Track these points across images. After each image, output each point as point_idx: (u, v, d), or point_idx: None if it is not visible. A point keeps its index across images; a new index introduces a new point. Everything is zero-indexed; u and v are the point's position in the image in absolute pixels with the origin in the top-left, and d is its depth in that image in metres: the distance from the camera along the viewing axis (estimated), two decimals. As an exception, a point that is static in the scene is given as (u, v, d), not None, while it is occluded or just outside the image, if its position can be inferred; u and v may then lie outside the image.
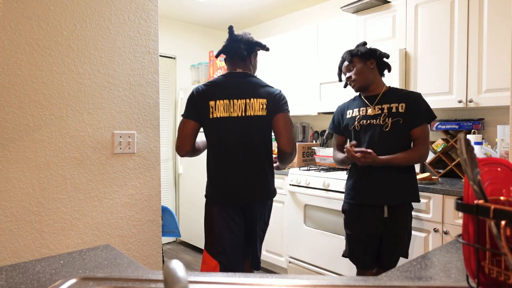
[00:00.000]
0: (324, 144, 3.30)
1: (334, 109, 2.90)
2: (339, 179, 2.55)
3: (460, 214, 2.01)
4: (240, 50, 1.83)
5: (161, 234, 1.79)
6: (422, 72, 2.44)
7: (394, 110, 1.84)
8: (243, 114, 1.78)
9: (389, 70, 1.98)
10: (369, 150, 1.76)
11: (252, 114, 1.78)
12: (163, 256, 1.89)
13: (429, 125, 1.98)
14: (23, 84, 1.38)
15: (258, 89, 1.81)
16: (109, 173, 1.60)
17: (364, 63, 1.91)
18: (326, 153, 2.90)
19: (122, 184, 1.64)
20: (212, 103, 1.78)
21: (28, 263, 0.90)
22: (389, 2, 2.64)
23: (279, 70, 3.45)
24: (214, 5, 3.65)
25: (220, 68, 3.84)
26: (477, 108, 2.36)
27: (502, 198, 0.63)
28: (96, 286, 0.76)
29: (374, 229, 1.86)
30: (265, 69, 3.60)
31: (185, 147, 1.82)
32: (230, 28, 1.88)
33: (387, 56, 1.94)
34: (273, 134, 1.87)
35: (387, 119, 1.83)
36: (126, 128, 1.65)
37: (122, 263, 0.90)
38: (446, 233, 2.04)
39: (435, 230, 2.07)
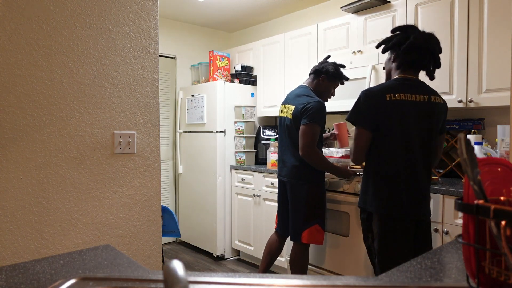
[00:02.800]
0: (324, 144, 3.30)
1: (334, 109, 2.91)
2: (339, 179, 2.55)
3: (460, 214, 2.01)
4: (312, 69, 2.43)
5: (161, 234, 1.79)
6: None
7: None
8: (285, 115, 2.43)
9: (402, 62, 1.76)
10: None
11: (286, 116, 2.41)
12: (163, 256, 1.89)
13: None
14: (23, 84, 1.38)
15: (295, 98, 2.36)
16: (109, 173, 1.60)
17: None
18: (326, 153, 2.90)
19: (122, 184, 1.63)
20: (280, 106, 2.55)
21: (28, 263, 0.90)
22: (389, 2, 2.64)
23: (280, 70, 3.45)
24: (214, 5, 3.65)
25: (220, 68, 3.84)
26: (477, 108, 2.36)
27: (502, 198, 0.63)
28: (96, 286, 0.76)
29: None
30: (266, 69, 3.60)
31: None
32: (326, 57, 2.49)
33: (406, 46, 1.71)
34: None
35: None
36: (126, 128, 1.65)
37: (122, 263, 0.90)
38: (446, 233, 2.04)
39: (435, 230, 2.07)
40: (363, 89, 1.80)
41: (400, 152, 1.72)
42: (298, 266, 2.38)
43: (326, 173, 2.67)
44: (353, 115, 1.78)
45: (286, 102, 2.45)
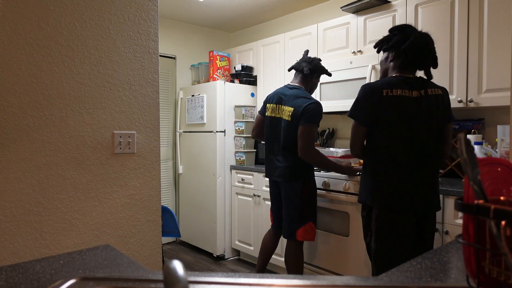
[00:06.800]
0: (324, 144, 3.30)
1: (334, 109, 2.91)
2: (339, 179, 2.55)
3: (460, 214, 2.01)
4: (305, 69, 2.39)
5: (161, 234, 1.79)
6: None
7: None
8: (279, 116, 2.41)
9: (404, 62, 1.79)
10: None
11: (281, 117, 2.39)
12: (163, 256, 1.89)
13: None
14: (23, 84, 1.38)
15: (292, 99, 2.34)
16: (109, 173, 1.60)
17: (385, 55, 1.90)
18: (326, 153, 2.90)
19: (122, 184, 1.63)
20: (268, 105, 2.52)
21: (28, 263, 0.90)
22: (389, 2, 2.63)
23: (280, 70, 3.45)
24: (214, 5, 3.65)
25: (220, 68, 3.84)
26: (477, 108, 2.35)
27: (502, 198, 0.63)
28: (96, 286, 0.76)
29: None
30: (266, 69, 3.60)
31: (253, 132, 2.65)
32: (305, 52, 2.52)
33: (406, 46, 1.74)
34: None
35: None
36: (126, 128, 1.65)
37: (122, 263, 0.90)
38: (446, 233, 2.04)
39: (435, 230, 2.06)
40: (364, 84, 1.85)
41: (399, 147, 1.73)
42: (294, 264, 2.41)
43: (321, 173, 2.67)
44: (352, 109, 1.83)
45: (279, 102, 2.42)
